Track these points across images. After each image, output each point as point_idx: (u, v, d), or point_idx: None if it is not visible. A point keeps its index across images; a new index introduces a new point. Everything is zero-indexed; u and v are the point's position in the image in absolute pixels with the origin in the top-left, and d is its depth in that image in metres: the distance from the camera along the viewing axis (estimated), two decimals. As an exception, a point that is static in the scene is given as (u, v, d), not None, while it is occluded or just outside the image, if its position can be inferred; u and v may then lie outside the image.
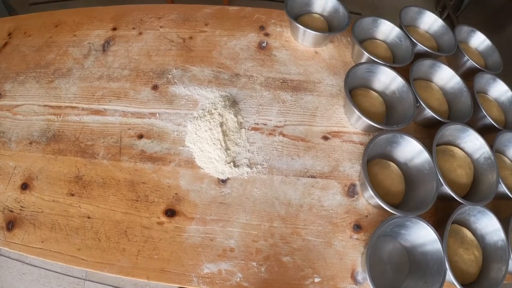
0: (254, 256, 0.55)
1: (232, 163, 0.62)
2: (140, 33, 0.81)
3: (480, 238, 0.58)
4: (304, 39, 0.77)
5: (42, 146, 0.66)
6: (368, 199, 0.60)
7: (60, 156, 0.64)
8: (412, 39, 0.73)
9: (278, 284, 0.54)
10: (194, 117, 0.67)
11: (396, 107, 0.68)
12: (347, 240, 0.57)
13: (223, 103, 0.67)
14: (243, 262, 0.55)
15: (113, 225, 0.57)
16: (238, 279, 0.54)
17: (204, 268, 0.54)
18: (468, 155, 0.65)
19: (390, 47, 0.78)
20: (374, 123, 0.60)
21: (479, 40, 0.84)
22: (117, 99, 0.71)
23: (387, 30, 0.78)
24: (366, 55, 0.69)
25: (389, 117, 0.69)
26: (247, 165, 0.63)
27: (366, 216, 0.59)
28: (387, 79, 0.69)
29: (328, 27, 0.80)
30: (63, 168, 0.63)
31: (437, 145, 0.62)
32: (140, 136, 0.66)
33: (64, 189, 0.61)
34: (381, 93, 0.71)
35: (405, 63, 0.70)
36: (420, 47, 0.72)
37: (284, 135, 0.66)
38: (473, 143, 0.64)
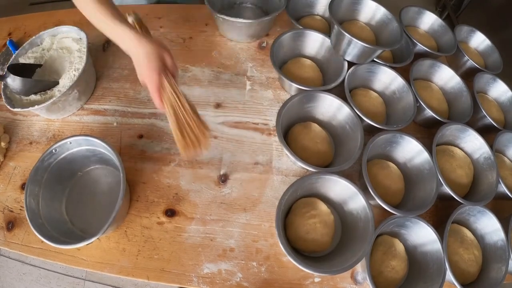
0: (254, 256, 0.55)
1: (232, 163, 0.62)
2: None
3: (480, 238, 0.59)
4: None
5: (42, 146, 0.66)
6: (368, 199, 0.60)
7: (60, 156, 0.64)
8: (412, 39, 0.72)
9: (278, 284, 0.54)
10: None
11: (396, 107, 0.68)
12: (347, 240, 0.57)
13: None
14: (243, 262, 0.55)
15: (113, 225, 0.57)
16: (238, 279, 0.54)
17: (204, 268, 0.54)
18: (468, 155, 0.65)
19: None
20: (374, 123, 0.60)
21: (479, 40, 0.84)
22: (117, 99, 0.71)
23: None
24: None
25: (389, 117, 0.69)
26: (247, 165, 0.63)
27: (366, 216, 0.59)
28: (387, 79, 0.69)
29: (330, 29, 0.80)
30: (63, 168, 0.63)
31: (437, 145, 0.62)
32: (140, 136, 0.66)
33: (64, 189, 0.61)
34: (381, 93, 0.71)
35: (405, 63, 0.70)
36: (420, 47, 0.72)
37: (284, 135, 0.66)
38: (473, 143, 0.64)
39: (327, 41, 0.70)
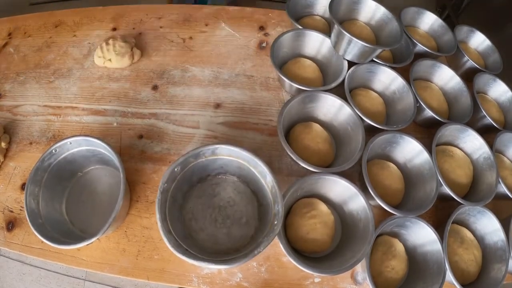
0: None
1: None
2: (140, 33, 0.81)
3: (480, 238, 0.59)
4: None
5: (42, 146, 0.66)
6: (368, 199, 0.60)
7: (60, 156, 0.64)
8: (412, 39, 0.72)
9: (278, 284, 0.54)
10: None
11: (396, 107, 0.68)
12: (347, 240, 0.57)
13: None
14: (243, 262, 0.55)
15: (113, 225, 0.57)
16: (238, 279, 0.54)
17: (204, 268, 0.54)
18: (468, 155, 0.65)
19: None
20: (374, 123, 0.60)
21: (479, 40, 0.84)
22: (117, 100, 0.71)
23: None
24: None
25: (389, 117, 0.69)
26: (247, 165, 0.63)
27: (366, 216, 0.59)
28: (387, 79, 0.69)
29: (330, 29, 0.80)
30: (63, 168, 0.63)
31: (437, 145, 0.62)
32: (140, 137, 0.66)
33: (64, 189, 0.61)
34: (381, 93, 0.71)
35: (405, 63, 0.70)
36: (420, 47, 0.72)
37: (284, 135, 0.66)
38: (473, 143, 0.64)
39: (327, 41, 0.70)
